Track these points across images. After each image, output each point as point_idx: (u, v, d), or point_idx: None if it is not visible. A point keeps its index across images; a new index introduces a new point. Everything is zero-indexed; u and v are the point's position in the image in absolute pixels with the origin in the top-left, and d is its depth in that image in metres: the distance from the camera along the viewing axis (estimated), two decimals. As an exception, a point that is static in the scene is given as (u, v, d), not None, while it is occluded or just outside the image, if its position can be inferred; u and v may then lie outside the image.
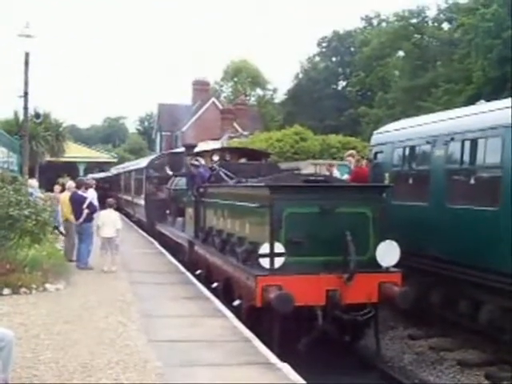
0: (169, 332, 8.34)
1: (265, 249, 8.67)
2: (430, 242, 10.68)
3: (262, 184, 9.84)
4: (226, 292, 10.54)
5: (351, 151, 14.80)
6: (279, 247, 8.67)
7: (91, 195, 15.11)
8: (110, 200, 14.71)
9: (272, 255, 8.64)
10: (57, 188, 20.79)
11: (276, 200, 8.88)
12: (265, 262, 8.67)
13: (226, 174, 13.01)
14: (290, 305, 8.19)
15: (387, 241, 9.09)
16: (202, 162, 14.36)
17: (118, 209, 35.64)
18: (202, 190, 13.53)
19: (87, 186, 15.53)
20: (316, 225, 9.02)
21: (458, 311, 10.41)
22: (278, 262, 8.65)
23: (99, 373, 6.50)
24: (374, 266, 9.08)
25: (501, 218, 9.03)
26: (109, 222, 13.87)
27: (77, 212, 14.23)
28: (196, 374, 6.58)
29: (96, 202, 15.31)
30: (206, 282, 11.93)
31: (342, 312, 8.73)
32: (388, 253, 9.07)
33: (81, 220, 14.15)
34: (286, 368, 6.87)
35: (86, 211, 14.13)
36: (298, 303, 8.27)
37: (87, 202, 14.26)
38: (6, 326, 6.55)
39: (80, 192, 14.63)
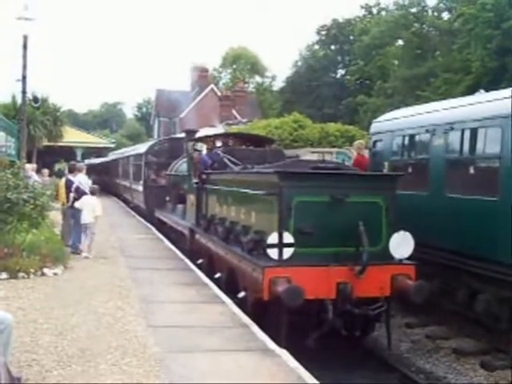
0: (168, 318, 8.34)
1: (273, 239, 8.21)
2: (429, 231, 10.69)
3: (271, 170, 9.24)
4: (230, 283, 10.14)
5: (360, 141, 14.90)
6: (288, 237, 8.20)
7: (81, 179, 15.05)
8: (93, 186, 14.43)
9: (280, 245, 8.18)
10: (44, 172, 21.06)
11: (285, 187, 8.41)
12: (273, 253, 8.22)
13: (230, 160, 12.46)
14: (300, 298, 7.74)
15: (401, 231, 8.69)
16: (205, 147, 14.14)
17: (116, 194, 35.80)
18: (204, 176, 13.04)
19: (77, 171, 15.52)
20: (326, 214, 8.54)
21: (455, 300, 10.45)
22: (287, 252, 8.18)
23: (98, 357, 6.51)
24: (386, 257, 8.64)
25: (499, 207, 9.05)
26: (88, 207, 13.70)
27: (68, 196, 14.46)
28: (195, 359, 6.60)
29: (86, 188, 15.27)
30: (208, 272, 11.57)
31: (353, 306, 8.28)
32: (402, 244, 8.67)
33: (69, 204, 14.23)
34: (284, 354, 6.89)
35: (71, 195, 14.18)
36: (307, 297, 7.83)
37: (73, 187, 14.31)
38: (5, 310, 6.53)
39: (70, 177, 14.75)
